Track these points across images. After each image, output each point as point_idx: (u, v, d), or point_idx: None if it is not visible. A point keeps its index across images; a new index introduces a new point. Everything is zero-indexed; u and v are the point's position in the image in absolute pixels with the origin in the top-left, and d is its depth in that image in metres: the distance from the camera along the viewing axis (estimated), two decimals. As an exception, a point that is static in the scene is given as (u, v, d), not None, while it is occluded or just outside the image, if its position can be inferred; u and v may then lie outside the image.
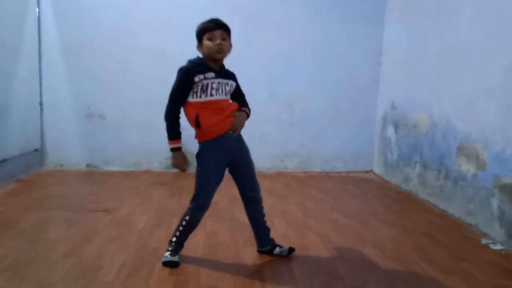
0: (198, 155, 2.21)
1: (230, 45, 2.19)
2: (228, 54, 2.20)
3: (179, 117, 2.18)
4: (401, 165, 4.01)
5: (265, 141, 4.48)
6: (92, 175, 4.21)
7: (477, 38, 2.94)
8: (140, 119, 4.32)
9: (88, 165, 4.40)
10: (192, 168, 2.22)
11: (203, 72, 2.11)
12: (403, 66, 4.05)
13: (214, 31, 2.11)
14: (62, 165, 4.36)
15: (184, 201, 3.28)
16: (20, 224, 2.69)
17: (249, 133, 4.34)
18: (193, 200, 2.20)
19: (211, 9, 4.37)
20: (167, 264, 2.15)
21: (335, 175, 4.50)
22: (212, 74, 2.12)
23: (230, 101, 2.24)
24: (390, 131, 4.26)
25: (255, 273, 2.12)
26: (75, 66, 4.26)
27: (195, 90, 2.11)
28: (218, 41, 2.09)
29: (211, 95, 2.11)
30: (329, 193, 3.78)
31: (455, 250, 2.48)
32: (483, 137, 2.83)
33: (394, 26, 4.27)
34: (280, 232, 2.68)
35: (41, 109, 4.28)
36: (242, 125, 2.23)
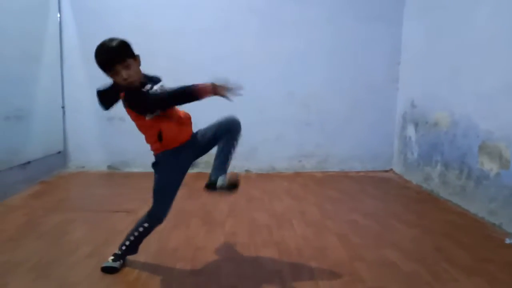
0: (156, 164, 2.12)
1: (136, 61, 1.97)
2: (139, 72, 1.99)
3: None
4: (421, 165, 3.95)
5: (282, 141, 4.48)
6: (113, 177, 4.28)
7: (497, 33, 2.88)
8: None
9: (109, 167, 4.47)
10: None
11: (142, 87, 1.97)
12: (422, 64, 3.99)
13: (114, 66, 1.89)
14: (83, 167, 4.45)
15: (203, 201, 3.33)
16: (44, 226, 2.75)
17: (267, 134, 4.42)
18: (152, 211, 2.12)
19: (226, 12, 4.43)
20: (105, 269, 2.09)
21: (353, 175, 4.47)
22: (149, 86, 1.97)
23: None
24: (410, 130, 4.21)
25: (275, 273, 2.12)
26: (95, 71, 4.28)
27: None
28: (124, 76, 1.89)
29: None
30: (348, 193, 3.75)
31: (477, 250, 2.43)
32: (506, 135, 2.76)
33: (412, 24, 4.22)
34: (299, 233, 2.68)
35: (63, 113, 4.38)
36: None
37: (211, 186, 2.07)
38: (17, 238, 2.53)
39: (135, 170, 4.43)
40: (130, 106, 1.99)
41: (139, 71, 1.99)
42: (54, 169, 4.21)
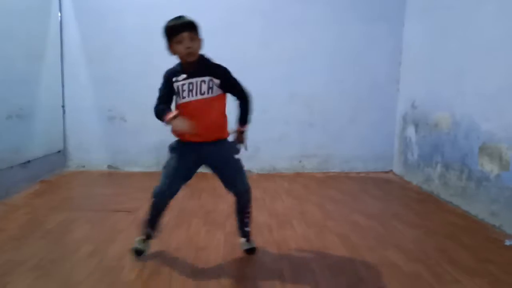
0: (170, 146, 2.28)
1: (200, 40, 2.13)
2: (200, 50, 2.14)
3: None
4: (422, 166, 3.96)
5: (284, 142, 4.49)
6: (113, 176, 4.28)
7: (500, 34, 2.88)
8: (160, 121, 4.37)
9: (109, 166, 4.47)
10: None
11: (176, 75, 2.14)
12: (423, 65, 4.00)
13: (181, 33, 2.05)
14: (84, 166, 4.45)
15: (204, 201, 3.33)
16: (45, 225, 2.75)
17: (269, 134, 4.42)
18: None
19: (230, 12, 4.42)
20: (134, 251, 2.25)
21: (354, 175, 4.47)
22: (183, 76, 2.12)
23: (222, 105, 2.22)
24: (411, 131, 4.21)
25: (275, 273, 2.12)
26: (97, 70, 4.34)
27: (176, 92, 2.15)
28: (187, 44, 2.05)
29: (183, 97, 2.12)
30: (349, 193, 3.76)
31: (479, 252, 2.44)
32: (507, 137, 2.77)
33: (414, 24, 4.22)
34: (300, 233, 2.68)
35: (64, 112, 4.38)
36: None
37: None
38: (18, 237, 2.53)
39: (136, 169, 4.43)
40: (228, 80, 2.14)
41: (199, 49, 2.13)
42: (55, 168, 4.21)
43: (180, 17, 2.12)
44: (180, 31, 2.05)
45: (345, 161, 4.58)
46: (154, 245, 2.43)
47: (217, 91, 2.11)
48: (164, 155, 4.84)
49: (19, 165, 3.55)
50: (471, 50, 3.22)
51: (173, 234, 2.62)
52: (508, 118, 2.78)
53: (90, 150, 4.44)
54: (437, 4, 3.77)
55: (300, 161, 4.56)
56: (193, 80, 2.09)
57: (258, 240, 2.55)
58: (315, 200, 3.47)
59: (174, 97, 2.18)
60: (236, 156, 2.25)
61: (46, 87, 4.01)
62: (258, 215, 3.03)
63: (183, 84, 2.11)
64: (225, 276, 2.08)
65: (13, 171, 3.46)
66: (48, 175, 4.03)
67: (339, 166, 4.59)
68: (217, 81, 2.10)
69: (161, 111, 2.14)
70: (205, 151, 2.17)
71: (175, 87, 2.14)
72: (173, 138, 2.29)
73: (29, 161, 3.68)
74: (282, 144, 4.48)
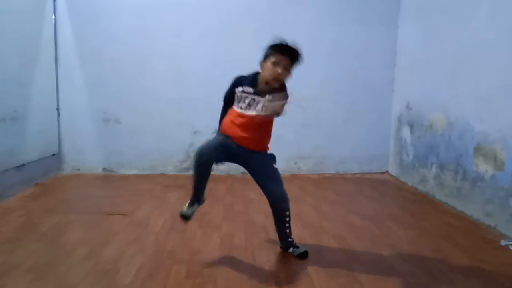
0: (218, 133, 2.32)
1: (290, 74, 2.21)
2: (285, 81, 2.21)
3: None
4: (417, 166, 3.97)
5: (279, 143, 4.45)
6: (108, 179, 4.26)
7: (495, 36, 2.90)
8: (155, 123, 4.37)
9: (104, 169, 4.46)
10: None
11: (244, 85, 2.20)
12: (418, 66, 4.02)
13: (281, 56, 2.11)
14: (79, 169, 4.43)
15: (200, 204, 3.32)
16: (40, 227, 2.74)
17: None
18: None
19: (225, 13, 4.42)
20: (181, 216, 2.30)
21: (350, 176, 4.48)
22: (251, 90, 2.17)
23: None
24: (406, 132, 4.23)
25: (271, 275, 2.13)
26: (91, 72, 4.33)
27: (236, 98, 2.22)
28: (280, 71, 2.10)
29: (240, 107, 2.19)
30: (345, 194, 3.76)
31: (474, 252, 2.45)
32: (501, 137, 2.78)
33: (408, 26, 4.24)
34: (296, 235, 2.66)
35: (58, 115, 4.35)
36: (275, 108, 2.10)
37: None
38: (13, 240, 2.51)
39: (131, 172, 4.41)
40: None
41: (283, 81, 2.20)
42: (50, 171, 4.19)
43: (295, 46, 2.21)
44: (283, 53, 2.12)
45: (340, 162, 4.59)
46: (149, 248, 2.43)
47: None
48: (159, 159, 4.85)
49: (14, 168, 3.53)
50: (465, 51, 3.24)
51: (169, 236, 2.61)
52: (502, 119, 2.79)
53: (85, 153, 4.42)
54: (431, 6, 3.79)
55: (295, 163, 4.56)
56: (258, 98, 2.15)
57: (254, 242, 2.55)
58: (311, 202, 3.47)
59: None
60: (274, 165, 2.34)
61: (41, 89, 3.99)
62: (254, 216, 3.03)
63: (246, 97, 2.18)
64: (220, 279, 2.07)
65: (8, 174, 3.44)
66: (43, 178, 4.01)
67: (334, 168, 4.60)
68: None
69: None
70: (245, 154, 2.25)
71: (237, 93, 2.21)
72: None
73: (23, 164, 3.66)
74: (276, 146, 4.44)
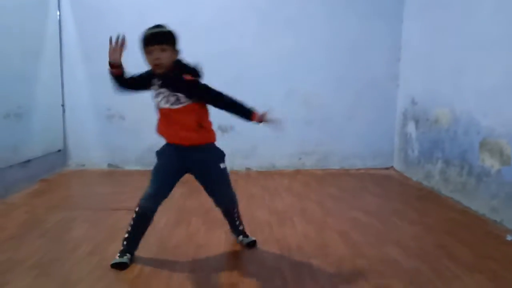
0: (157, 151, 2.27)
1: (174, 51, 2.11)
2: (173, 60, 2.11)
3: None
4: (422, 162, 3.95)
5: (282, 139, 4.47)
6: (113, 175, 4.27)
7: (499, 30, 2.87)
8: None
9: (109, 165, 4.47)
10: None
11: (153, 79, 2.14)
12: (423, 61, 3.99)
13: (150, 46, 2.04)
14: (84, 165, 4.45)
15: (204, 200, 3.31)
16: (45, 223, 2.75)
17: (267, 131, 4.39)
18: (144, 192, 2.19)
19: (227, 9, 4.41)
20: (115, 265, 2.09)
21: (354, 172, 4.47)
22: (158, 82, 2.10)
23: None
24: (411, 127, 4.20)
25: (276, 271, 2.12)
26: (95, 68, 4.31)
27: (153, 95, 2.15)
28: (155, 56, 2.03)
29: (159, 104, 2.11)
30: (349, 190, 3.75)
31: (479, 247, 2.43)
32: (507, 132, 2.76)
33: (413, 20, 4.21)
34: (300, 230, 2.67)
35: (63, 111, 4.37)
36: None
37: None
38: (18, 236, 2.52)
39: (135, 168, 4.42)
40: (190, 89, 2.07)
41: (171, 61, 2.10)
42: (55, 167, 4.21)
43: (156, 28, 2.10)
44: (149, 43, 2.04)
45: (345, 158, 4.58)
46: (154, 243, 2.43)
47: (186, 101, 2.07)
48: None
49: (19, 164, 3.55)
50: (469, 46, 3.21)
51: (173, 232, 2.62)
52: (507, 113, 2.77)
53: (90, 149, 4.44)
54: (436, 1, 3.76)
55: (300, 159, 4.55)
56: (163, 90, 2.09)
57: (258, 237, 2.54)
58: (315, 198, 3.46)
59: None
60: (222, 165, 2.22)
61: (45, 85, 4.00)
62: (258, 212, 3.03)
63: (158, 92, 2.11)
64: (225, 274, 2.08)
65: (13, 170, 3.46)
66: (48, 174, 4.03)
67: (339, 163, 4.58)
68: (181, 94, 2.07)
69: (244, 105, 2.22)
70: (189, 157, 2.15)
71: (153, 90, 2.15)
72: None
73: (28, 160, 3.68)
74: (280, 142, 4.46)
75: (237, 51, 4.24)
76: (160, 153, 2.25)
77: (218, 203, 2.33)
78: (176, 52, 2.12)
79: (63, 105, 4.34)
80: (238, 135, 4.35)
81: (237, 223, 2.42)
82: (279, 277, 2.05)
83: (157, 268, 2.12)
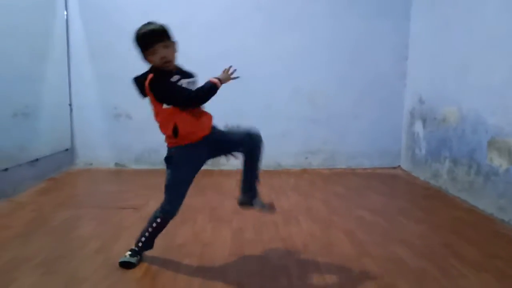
0: (169, 159, 2.14)
1: (174, 44, 2.05)
2: (176, 54, 2.08)
3: None
4: (429, 161, 3.93)
5: (288, 138, 4.47)
6: (120, 174, 4.29)
7: (506, 27, 2.84)
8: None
9: (116, 164, 4.49)
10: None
11: (170, 76, 2.02)
12: (430, 59, 3.96)
13: (152, 47, 1.97)
14: (91, 164, 4.47)
15: (209, 198, 3.33)
16: (52, 222, 2.77)
17: (272, 130, 4.40)
18: (164, 206, 2.13)
19: (231, 8, 4.41)
20: (123, 264, 2.10)
21: (360, 171, 4.45)
22: (177, 77, 2.03)
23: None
24: (418, 126, 4.18)
25: (282, 269, 2.12)
26: (102, 68, 4.35)
27: None
28: (161, 55, 1.98)
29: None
30: (355, 190, 3.74)
31: (486, 247, 2.41)
32: (515, 131, 2.74)
33: (420, 19, 4.18)
34: (306, 229, 2.67)
35: (71, 110, 4.40)
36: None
37: (244, 204, 2.29)
38: (25, 234, 2.54)
39: (143, 167, 4.44)
40: (152, 89, 2.01)
41: (175, 56, 2.07)
42: (62, 166, 4.24)
43: (149, 27, 1.99)
44: (153, 42, 1.96)
45: (351, 157, 4.56)
46: (160, 242, 2.43)
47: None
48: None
49: (27, 163, 3.58)
50: (477, 44, 3.18)
51: (179, 231, 2.62)
52: (516, 111, 2.74)
53: (97, 148, 4.46)
54: (443, -2, 3.73)
55: (306, 158, 4.54)
56: (186, 80, 2.05)
57: (264, 236, 2.55)
58: (321, 196, 3.45)
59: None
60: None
61: (53, 85, 4.03)
62: (263, 211, 3.02)
63: (182, 83, 2.03)
64: (231, 272, 2.08)
65: (21, 169, 3.49)
66: (56, 173, 4.06)
67: (345, 162, 4.56)
68: (196, 79, 2.12)
69: (206, 88, 2.02)
70: (208, 142, 2.10)
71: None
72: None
73: (36, 159, 3.71)
74: (286, 141, 4.45)
75: (241, 50, 4.24)
76: (179, 160, 2.11)
77: (242, 143, 2.19)
78: (175, 44, 2.08)
79: (70, 104, 4.37)
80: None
81: (257, 174, 2.27)
82: (284, 275, 2.04)
83: (163, 266, 2.13)
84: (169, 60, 2.01)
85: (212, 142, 2.12)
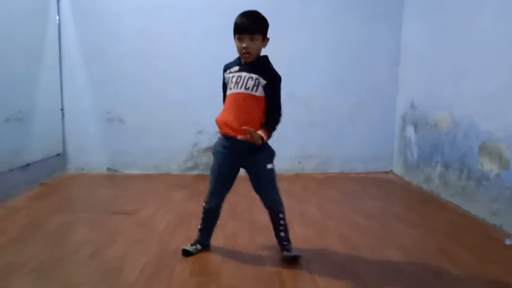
0: (213, 149, 2.29)
1: (264, 40, 2.16)
2: (263, 49, 2.19)
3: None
4: (421, 165, 3.96)
5: (283, 142, 4.44)
6: (113, 179, 4.27)
7: (500, 34, 2.88)
8: (160, 123, 4.37)
9: (109, 169, 4.47)
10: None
11: (231, 67, 2.19)
12: (423, 65, 4.00)
13: (242, 33, 2.09)
14: (83, 169, 4.44)
15: (203, 203, 3.32)
16: (45, 227, 2.75)
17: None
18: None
19: (230, 11, 4.40)
20: (183, 252, 2.29)
21: (354, 176, 4.47)
22: (236, 68, 2.16)
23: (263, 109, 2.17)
24: (410, 131, 4.21)
25: (275, 274, 2.12)
26: (95, 72, 4.34)
27: (226, 82, 2.21)
28: (244, 45, 2.08)
29: (230, 88, 2.15)
30: (349, 194, 3.75)
31: (479, 251, 2.44)
32: (507, 136, 2.77)
33: (413, 23, 4.23)
34: (300, 234, 2.67)
35: (63, 115, 4.37)
36: (254, 141, 2.04)
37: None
38: (18, 240, 2.52)
39: (135, 172, 4.42)
40: (273, 86, 2.14)
41: (260, 51, 2.16)
42: (54, 171, 4.21)
43: (248, 14, 2.14)
44: (241, 30, 2.09)
45: (344, 162, 4.58)
46: (154, 246, 2.43)
47: (261, 91, 2.11)
48: (163, 158, 4.85)
49: (19, 168, 3.55)
50: (470, 50, 3.22)
51: (173, 236, 2.61)
52: (507, 117, 2.78)
53: (90, 153, 4.43)
54: (436, 4, 3.77)
55: (299, 162, 4.55)
56: (243, 74, 2.12)
57: (258, 241, 2.55)
58: (315, 201, 3.46)
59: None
60: (269, 166, 2.27)
61: (45, 89, 4.00)
62: (258, 216, 3.02)
63: (233, 76, 2.14)
64: (224, 277, 2.07)
65: (13, 174, 3.46)
66: (48, 178, 4.02)
67: (339, 167, 4.58)
68: (263, 81, 2.11)
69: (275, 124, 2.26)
70: (242, 152, 2.17)
71: (226, 77, 2.20)
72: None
73: (28, 164, 3.68)
74: (280, 145, 4.42)
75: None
76: (217, 152, 2.26)
77: (264, 202, 2.32)
78: (265, 40, 2.18)
79: (62, 109, 4.34)
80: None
81: (282, 235, 2.30)
82: (278, 280, 2.04)
83: (157, 271, 2.12)
84: (249, 53, 2.10)
85: (243, 161, 2.24)
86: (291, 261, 2.23)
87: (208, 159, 4.30)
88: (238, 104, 2.12)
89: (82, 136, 4.41)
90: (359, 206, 3.36)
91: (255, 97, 2.11)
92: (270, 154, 2.29)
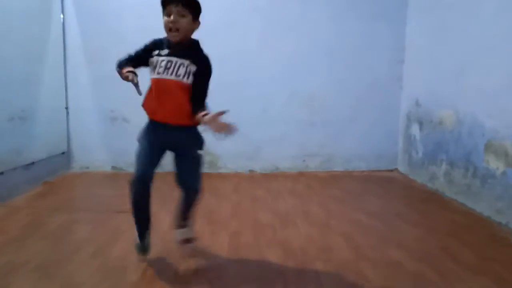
0: (139, 134, 2.20)
1: (195, 23, 1.99)
2: (193, 33, 2.01)
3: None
4: (426, 164, 3.93)
5: (285, 141, 4.47)
6: (117, 177, 4.27)
7: (503, 31, 2.85)
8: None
9: (113, 168, 4.47)
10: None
11: (160, 48, 2.01)
12: (426, 62, 3.97)
13: (169, 4, 1.90)
14: (88, 168, 4.45)
15: (206, 202, 3.31)
16: (48, 226, 2.76)
17: (270, 133, 4.40)
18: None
19: (229, 11, 4.41)
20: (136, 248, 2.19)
21: (357, 174, 4.45)
22: (166, 51, 1.98)
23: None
24: (415, 129, 4.18)
25: (279, 273, 2.11)
26: (99, 71, 4.34)
27: (152, 64, 2.03)
28: (172, 18, 1.89)
29: (158, 73, 1.98)
30: (352, 193, 3.73)
31: (483, 250, 2.41)
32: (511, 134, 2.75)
33: (416, 22, 4.19)
34: (303, 233, 2.66)
35: (67, 113, 4.38)
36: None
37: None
38: (21, 239, 2.53)
39: (139, 170, 4.42)
40: (202, 74, 2.00)
41: (190, 32, 2.01)
42: (58, 169, 4.22)
43: None
44: (168, 1, 1.91)
45: (348, 160, 4.56)
46: (158, 245, 2.42)
47: (191, 79, 1.98)
48: (166, 156, 4.85)
49: (22, 167, 3.56)
50: (473, 47, 3.19)
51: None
52: (511, 115, 2.75)
53: (94, 152, 4.44)
54: (439, 2, 3.74)
55: (303, 161, 4.54)
56: (173, 59, 1.97)
57: (261, 240, 2.54)
58: (318, 200, 3.45)
59: (149, 69, 2.08)
60: (199, 152, 2.15)
61: (49, 88, 4.01)
62: (261, 215, 3.02)
63: (162, 60, 1.99)
64: (228, 276, 2.07)
65: (16, 173, 3.47)
66: (52, 177, 4.04)
67: (342, 165, 4.56)
68: (194, 67, 1.98)
69: (123, 63, 2.10)
70: (170, 135, 2.09)
71: (154, 60, 2.03)
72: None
73: (32, 163, 3.69)
74: (283, 144, 4.46)
75: (240, 54, 4.24)
76: (143, 135, 2.18)
77: (182, 182, 2.19)
78: (196, 23, 2.01)
79: (67, 108, 4.35)
80: (241, 137, 4.34)
81: (189, 216, 2.28)
82: (281, 280, 2.03)
83: (160, 270, 2.12)
84: (176, 28, 1.92)
85: (170, 144, 2.14)
86: (186, 241, 2.29)
87: (211, 158, 4.30)
88: (168, 91, 1.99)
89: (86, 134, 4.42)
90: (362, 205, 3.33)
91: (186, 85, 1.98)
92: (201, 141, 2.17)
